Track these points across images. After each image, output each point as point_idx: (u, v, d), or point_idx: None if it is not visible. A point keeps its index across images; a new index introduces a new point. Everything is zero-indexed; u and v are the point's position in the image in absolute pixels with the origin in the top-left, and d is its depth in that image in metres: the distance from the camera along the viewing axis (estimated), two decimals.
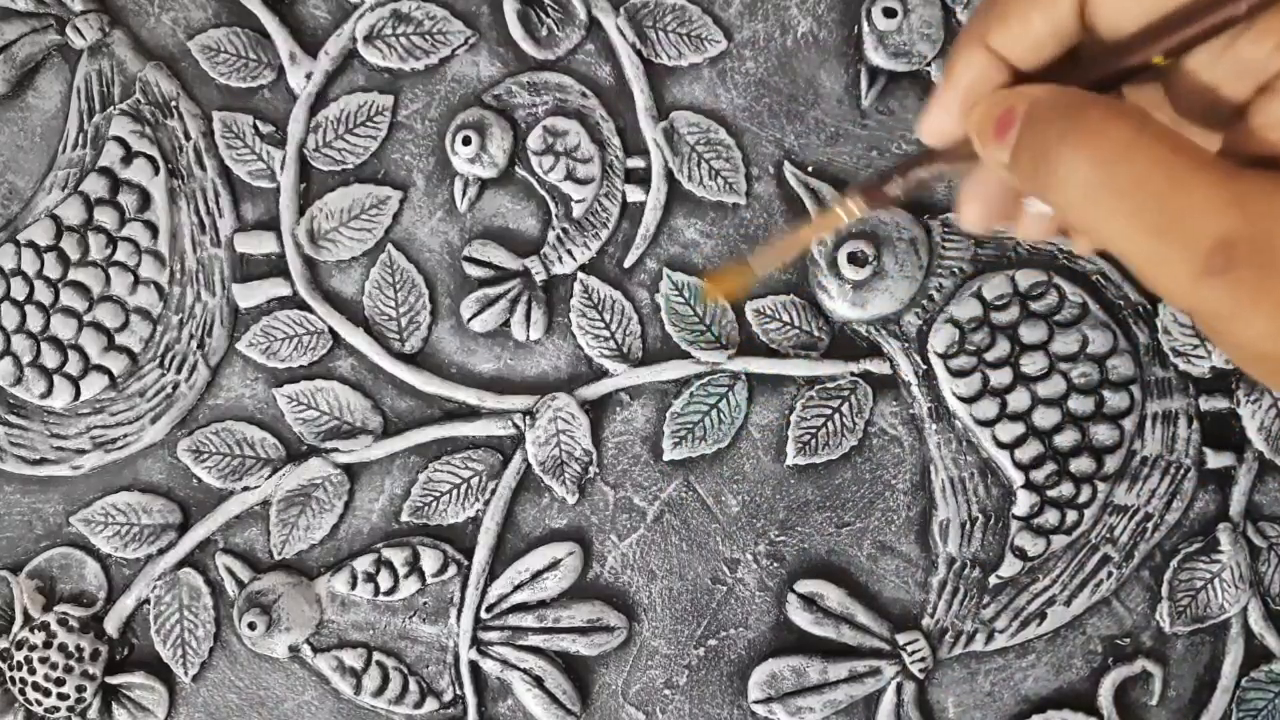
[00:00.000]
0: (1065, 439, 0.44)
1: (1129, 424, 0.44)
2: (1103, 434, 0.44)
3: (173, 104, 0.46)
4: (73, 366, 0.46)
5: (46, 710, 0.45)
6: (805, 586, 0.44)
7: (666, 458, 0.45)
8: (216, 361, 0.46)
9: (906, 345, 0.45)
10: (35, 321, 0.46)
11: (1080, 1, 0.24)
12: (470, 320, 0.45)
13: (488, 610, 0.45)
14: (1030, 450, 0.44)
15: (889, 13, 0.44)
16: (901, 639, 0.44)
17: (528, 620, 0.45)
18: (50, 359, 0.46)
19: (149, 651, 0.46)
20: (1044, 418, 0.44)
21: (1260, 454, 0.44)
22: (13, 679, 0.46)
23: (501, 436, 0.45)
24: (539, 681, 0.44)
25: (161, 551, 0.46)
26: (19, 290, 0.46)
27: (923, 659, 0.44)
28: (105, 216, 0.46)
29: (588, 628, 0.45)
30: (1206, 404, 0.45)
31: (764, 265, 0.31)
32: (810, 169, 0.45)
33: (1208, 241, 0.22)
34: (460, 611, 0.45)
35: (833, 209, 0.29)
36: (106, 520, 0.46)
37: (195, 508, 0.46)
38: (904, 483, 0.45)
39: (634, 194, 0.46)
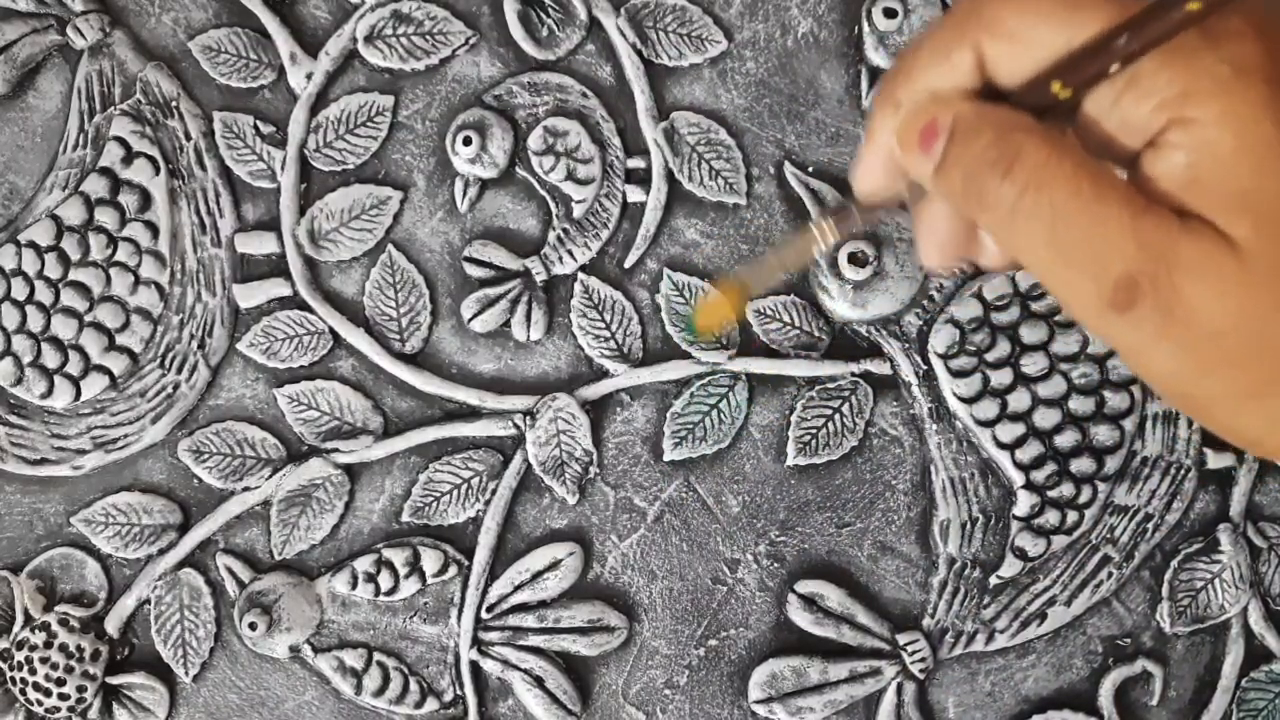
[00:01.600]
0: (1066, 439, 0.44)
1: (1129, 424, 0.44)
2: (1103, 434, 0.44)
3: (173, 104, 0.46)
4: (73, 367, 0.46)
5: (47, 710, 0.45)
6: (805, 587, 0.44)
7: (667, 458, 0.45)
8: (217, 362, 0.46)
9: (907, 345, 0.45)
10: (36, 322, 0.46)
11: (978, 60, 0.24)
12: (471, 320, 0.45)
13: (488, 610, 0.45)
14: (1031, 451, 0.44)
15: (889, 13, 0.44)
16: (902, 639, 0.44)
17: (528, 620, 0.45)
18: (51, 359, 0.46)
19: (149, 651, 0.46)
20: (1044, 418, 0.44)
21: None
22: (13, 679, 0.46)
23: (502, 437, 0.45)
24: (539, 682, 0.45)
25: (162, 551, 0.46)
26: (19, 290, 0.46)
27: (923, 659, 0.44)
28: (106, 217, 0.46)
29: (588, 628, 0.45)
30: None
31: (759, 282, 0.32)
32: (811, 169, 0.45)
33: (1113, 277, 0.22)
34: (461, 612, 0.45)
35: (809, 232, 0.29)
36: (107, 520, 0.46)
37: (196, 508, 0.46)
38: (904, 483, 0.45)
39: (634, 194, 0.46)
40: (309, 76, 0.46)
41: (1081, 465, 0.44)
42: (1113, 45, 0.22)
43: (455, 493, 0.45)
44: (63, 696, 0.45)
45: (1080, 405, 0.44)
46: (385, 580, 0.45)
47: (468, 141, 0.44)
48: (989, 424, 0.44)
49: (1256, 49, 0.22)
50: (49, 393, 0.46)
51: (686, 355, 0.45)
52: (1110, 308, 0.23)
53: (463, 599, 0.45)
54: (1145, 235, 0.22)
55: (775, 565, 0.45)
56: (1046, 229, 0.23)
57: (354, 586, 0.45)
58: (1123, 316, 0.23)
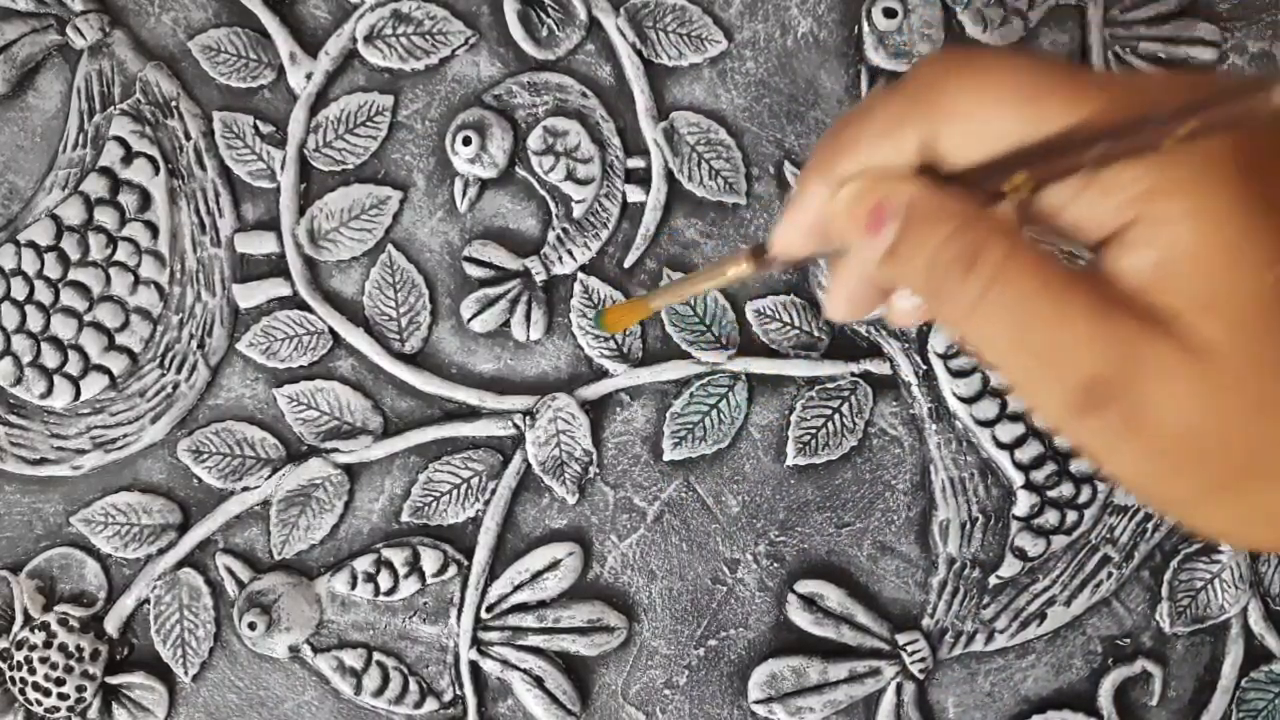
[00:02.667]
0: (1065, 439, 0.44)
1: None
2: None
3: (173, 104, 0.46)
4: (73, 366, 0.46)
5: (47, 710, 0.45)
6: (805, 587, 0.44)
7: (667, 458, 0.45)
8: (217, 361, 0.46)
9: (907, 345, 0.45)
10: (35, 321, 0.46)
11: (925, 140, 0.24)
12: (470, 320, 0.45)
13: (488, 610, 0.45)
14: (1030, 450, 0.44)
15: (889, 13, 0.44)
16: (901, 639, 0.44)
17: (528, 620, 0.45)
18: (50, 359, 0.46)
19: (149, 651, 0.46)
20: None
21: None
22: (13, 679, 0.46)
23: (502, 437, 0.45)
24: (539, 681, 0.44)
25: (161, 551, 0.46)
26: (19, 290, 0.46)
27: (923, 659, 0.44)
28: (105, 216, 0.46)
29: (588, 628, 0.45)
30: None
31: (660, 303, 0.33)
32: None
33: (1079, 379, 0.22)
34: (460, 611, 0.45)
35: (724, 265, 0.29)
36: (106, 520, 0.46)
37: (195, 508, 0.46)
38: (904, 483, 0.45)
39: (634, 194, 0.46)
40: (309, 76, 0.46)
41: (1081, 465, 0.44)
42: (1089, 151, 0.22)
43: (455, 493, 0.45)
44: (62, 696, 0.45)
45: None
46: (385, 580, 0.45)
47: (467, 141, 0.44)
48: (989, 424, 0.44)
49: (1223, 142, 0.21)
50: (49, 392, 0.46)
51: (686, 355, 0.45)
52: (1075, 410, 0.22)
53: (462, 599, 0.45)
54: (1112, 336, 0.21)
55: (775, 565, 0.45)
56: (1010, 327, 0.22)
57: (354, 586, 0.45)
58: (1088, 419, 0.22)
